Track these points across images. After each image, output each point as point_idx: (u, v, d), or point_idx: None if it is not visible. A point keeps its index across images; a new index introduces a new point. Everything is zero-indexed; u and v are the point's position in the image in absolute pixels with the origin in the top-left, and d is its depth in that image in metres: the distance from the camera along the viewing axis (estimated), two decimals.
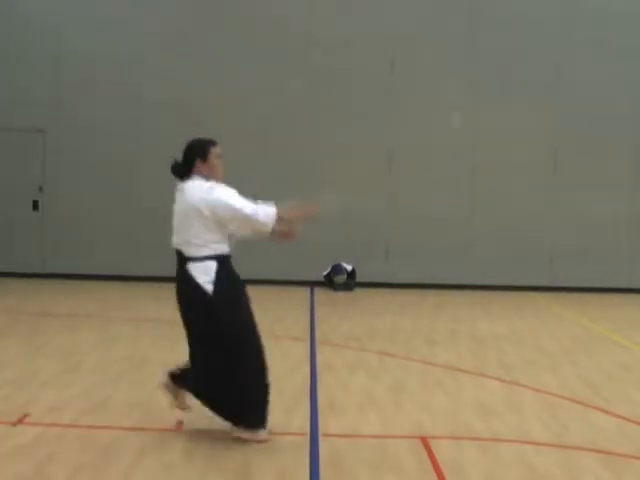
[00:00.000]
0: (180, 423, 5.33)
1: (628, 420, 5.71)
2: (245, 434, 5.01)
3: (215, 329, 4.93)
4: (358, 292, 12.86)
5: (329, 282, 13.13)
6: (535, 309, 11.49)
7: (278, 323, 9.62)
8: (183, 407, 5.29)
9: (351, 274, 13.13)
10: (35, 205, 13.54)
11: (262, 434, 5.03)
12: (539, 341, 8.95)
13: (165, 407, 5.70)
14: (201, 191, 4.93)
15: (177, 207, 5.06)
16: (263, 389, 5.06)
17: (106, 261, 13.32)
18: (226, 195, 4.93)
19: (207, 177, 5.04)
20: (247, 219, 4.88)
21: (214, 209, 4.87)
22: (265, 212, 4.92)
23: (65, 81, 13.40)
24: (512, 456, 4.86)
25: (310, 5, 13.45)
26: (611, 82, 13.37)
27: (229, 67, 13.34)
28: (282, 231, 5.04)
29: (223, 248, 4.99)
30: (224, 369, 4.93)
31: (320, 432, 5.22)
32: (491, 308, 11.40)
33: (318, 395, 6.16)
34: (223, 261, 4.97)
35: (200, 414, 5.52)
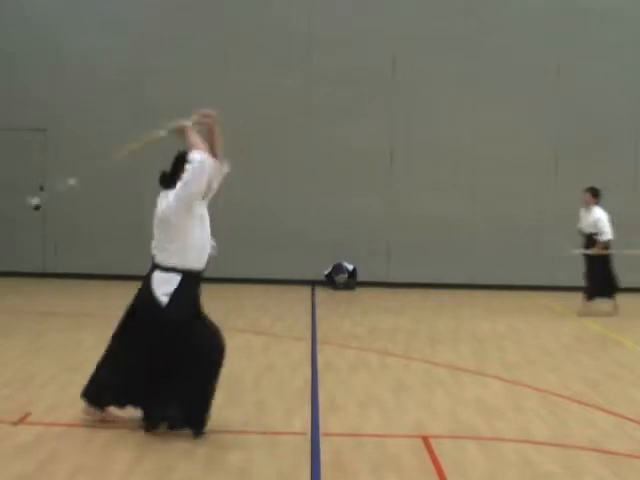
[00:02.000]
0: None
1: (628, 419, 5.71)
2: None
3: (157, 339, 4.97)
4: (359, 291, 12.86)
5: (330, 281, 13.14)
6: (536, 308, 11.49)
7: (279, 322, 9.62)
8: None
9: (352, 273, 13.13)
10: (36, 205, 13.52)
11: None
12: (540, 340, 8.95)
13: None
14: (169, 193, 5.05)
15: (155, 214, 5.16)
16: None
17: (107, 261, 13.33)
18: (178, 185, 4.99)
19: None
20: (193, 175, 4.92)
21: (173, 194, 4.95)
22: (191, 163, 4.95)
23: (65, 80, 13.41)
24: (513, 455, 4.86)
25: (311, 5, 13.45)
26: (612, 82, 13.37)
27: (229, 67, 13.34)
28: (210, 138, 5.19)
29: (192, 262, 5.03)
30: (165, 375, 4.98)
31: (321, 431, 5.22)
32: (492, 307, 11.40)
33: (319, 394, 6.16)
34: (188, 277, 5.01)
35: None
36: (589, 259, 10.85)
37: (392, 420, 5.59)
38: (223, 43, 13.35)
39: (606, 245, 10.77)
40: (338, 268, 13.08)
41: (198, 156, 4.97)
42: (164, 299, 4.96)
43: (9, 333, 8.49)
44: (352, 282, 13.07)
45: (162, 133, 5.27)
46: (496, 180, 13.40)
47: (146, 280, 5.10)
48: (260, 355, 7.69)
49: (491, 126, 13.36)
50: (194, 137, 5.17)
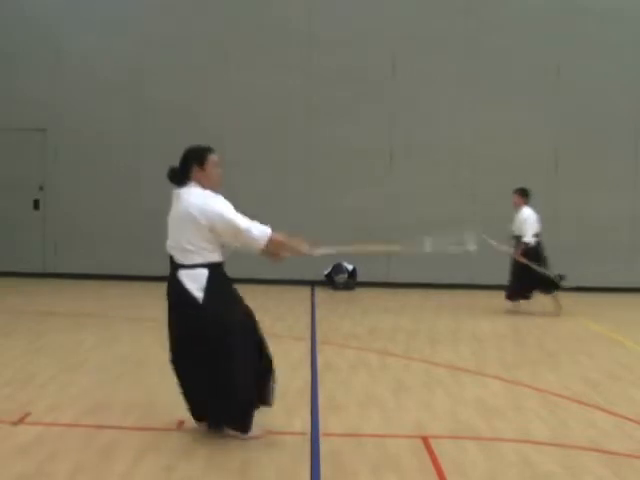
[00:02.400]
0: (181, 423, 5.32)
1: (628, 419, 5.71)
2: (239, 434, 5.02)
3: (204, 335, 4.90)
4: (359, 292, 12.86)
5: (330, 282, 13.14)
6: (536, 308, 11.48)
7: (279, 322, 9.62)
8: None
9: (352, 273, 13.14)
10: (36, 204, 13.55)
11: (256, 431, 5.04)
12: (540, 340, 8.95)
13: (165, 407, 5.71)
14: (197, 199, 4.94)
15: (173, 213, 5.09)
16: (249, 389, 5.00)
17: (106, 260, 13.33)
18: (223, 207, 4.96)
19: (204, 184, 5.06)
20: (241, 233, 4.96)
21: (210, 219, 4.89)
22: (259, 230, 5.03)
23: (65, 80, 13.42)
24: (513, 455, 4.86)
25: (311, 5, 13.46)
26: (612, 82, 13.37)
27: (229, 67, 13.35)
28: (271, 252, 5.15)
29: (215, 256, 5.04)
30: (213, 373, 4.91)
31: (321, 431, 5.22)
32: (492, 307, 11.39)
33: (319, 394, 6.16)
34: (214, 269, 5.00)
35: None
36: (513, 259, 10.80)
37: (392, 420, 5.59)
38: (223, 43, 13.36)
39: (526, 247, 10.63)
40: (338, 268, 13.08)
41: (263, 234, 5.07)
42: (199, 294, 4.91)
43: (9, 333, 8.49)
44: (352, 282, 13.08)
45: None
46: (496, 180, 13.38)
47: (173, 280, 5.01)
48: None
49: (491, 126, 13.36)
50: (286, 244, 5.27)
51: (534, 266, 10.50)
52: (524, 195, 10.90)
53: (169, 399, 5.91)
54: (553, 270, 10.75)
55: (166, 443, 4.92)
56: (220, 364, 4.90)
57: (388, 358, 7.70)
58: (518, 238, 10.79)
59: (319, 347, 8.07)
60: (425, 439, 5.12)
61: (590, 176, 13.42)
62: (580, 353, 8.24)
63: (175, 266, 5.02)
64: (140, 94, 13.28)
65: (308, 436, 5.13)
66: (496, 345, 8.57)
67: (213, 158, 5.14)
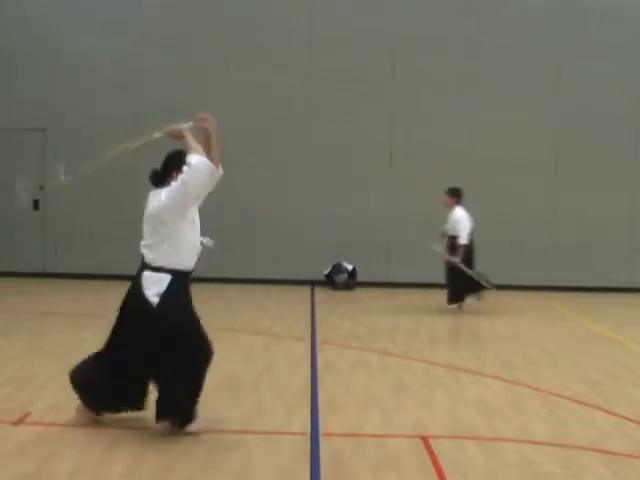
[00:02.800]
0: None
1: (628, 419, 5.71)
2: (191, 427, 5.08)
3: (153, 341, 4.95)
4: (359, 291, 12.86)
5: (330, 282, 13.14)
6: (535, 308, 11.50)
7: (279, 322, 9.62)
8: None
9: (352, 274, 13.14)
10: (36, 204, 13.55)
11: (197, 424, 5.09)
12: (540, 340, 8.95)
13: None
14: (160, 192, 5.03)
15: (145, 212, 5.15)
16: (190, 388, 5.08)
17: (106, 261, 13.32)
18: (173, 185, 4.98)
19: None
20: (191, 178, 4.89)
21: (167, 194, 4.93)
22: (189, 167, 4.93)
23: (65, 80, 13.42)
24: (513, 455, 4.86)
25: (311, 5, 13.45)
26: (611, 82, 13.37)
27: (229, 67, 13.35)
28: (206, 142, 5.04)
29: (182, 263, 5.04)
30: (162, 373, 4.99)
31: (321, 431, 5.22)
32: (491, 307, 11.39)
33: (319, 394, 6.16)
34: (178, 277, 5.01)
35: (200, 413, 5.52)
36: (447, 261, 10.71)
37: (392, 420, 5.59)
38: (223, 43, 13.36)
39: (463, 248, 10.54)
40: (338, 268, 13.08)
41: (197, 159, 4.95)
42: (154, 299, 4.95)
43: (9, 333, 8.49)
44: (352, 282, 13.07)
45: (157, 135, 5.25)
46: (496, 180, 13.39)
47: (135, 280, 5.10)
48: (260, 355, 7.69)
49: (491, 126, 13.35)
50: (191, 140, 5.17)
51: (463, 267, 10.38)
52: (455, 195, 10.73)
53: None
54: (477, 270, 10.69)
55: (166, 443, 4.92)
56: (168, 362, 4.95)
57: (388, 358, 7.70)
58: (452, 238, 10.67)
59: (319, 347, 8.07)
60: (425, 439, 5.12)
61: (590, 176, 13.42)
62: (580, 353, 8.24)
63: (142, 265, 5.09)
64: (140, 94, 13.28)
65: (308, 436, 5.12)
66: (496, 345, 8.57)
67: None
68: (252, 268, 12.98)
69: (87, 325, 9.06)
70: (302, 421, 5.45)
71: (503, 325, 9.89)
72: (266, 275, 12.95)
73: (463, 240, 10.49)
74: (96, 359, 5.25)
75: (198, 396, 5.11)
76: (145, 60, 13.34)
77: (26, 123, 13.44)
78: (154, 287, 4.97)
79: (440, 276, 13.34)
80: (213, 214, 13.92)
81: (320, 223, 13.31)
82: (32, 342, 7.99)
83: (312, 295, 12.27)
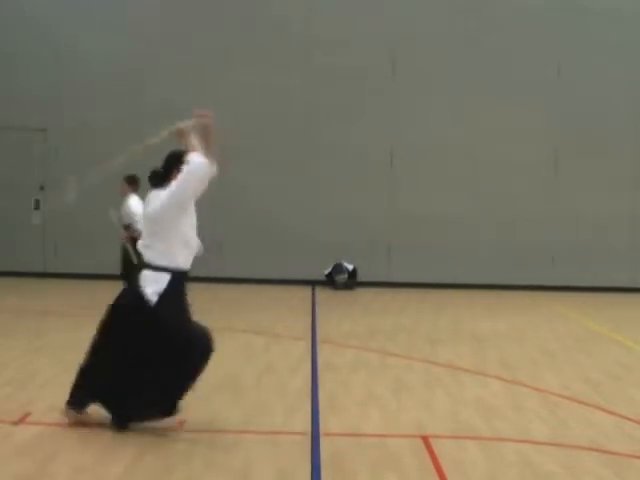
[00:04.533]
0: (181, 423, 5.32)
1: (628, 419, 5.71)
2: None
3: (151, 339, 4.96)
4: (359, 291, 12.87)
5: (330, 281, 13.14)
6: (536, 308, 11.50)
7: (279, 322, 9.62)
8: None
9: (352, 273, 13.14)
10: (36, 204, 13.55)
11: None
12: (540, 340, 8.95)
13: None
14: (159, 194, 5.06)
15: (145, 212, 5.20)
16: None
17: (106, 261, 13.28)
18: (168, 188, 5.01)
19: None
20: (191, 176, 4.93)
21: (166, 195, 4.96)
22: (188, 164, 4.96)
23: (66, 80, 13.43)
24: (513, 455, 4.86)
25: (310, 5, 13.46)
26: (611, 82, 13.38)
27: (229, 67, 13.36)
28: (205, 140, 5.12)
29: (181, 262, 5.06)
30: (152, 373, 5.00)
31: (321, 431, 5.21)
32: (492, 307, 11.40)
33: (319, 394, 6.16)
34: (177, 276, 5.02)
35: (200, 413, 5.53)
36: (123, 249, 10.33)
37: (392, 420, 5.58)
38: (223, 43, 13.36)
39: (133, 235, 10.19)
40: (338, 268, 13.09)
41: (197, 158, 4.98)
42: (153, 298, 4.96)
43: (9, 333, 8.49)
44: (352, 282, 13.08)
45: (162, 135, 5.26)
46: (496, 180, 13.40)
47: (133, 279, 5.10)
48: (260, 355, 7.69)
49: (491, 126, 13.36)
50: (193, 139, 5.18)
51: (130, 248, 9.97)
52: (131, 183, 10.44)
53: None
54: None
55: (166, 443, 4.92)
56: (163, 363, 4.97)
57: (388, 358, 7.70)
58: (127, 227, 10.33)
59: (319, 347, 8.07)
60: (425, 439, 5.12)
61: (590, 176, 13.42)
62: (580, 353, 8.25)
63: (141, 264, 5.09)
64: (140, 94, 13.28)
65: (308, 436, 5.12)
66: (496, 345, 8.57)
67: None
68: (252, 268, 12.98)
69: (87, 325, 9.01)
70: (302, 421, 5.44)
71: (503, 325, 9.89)
72: (266, 275, 12.95)
73: (137, 225, 10.04)
74: (88, 359, 5.26)
75: (187, 392, 5.12)
76: (145, 60, 13.34)
77: (26, 123, 13.45)
78: (153, 286, 4.97)
79: (440, 276, 13.39)
80: (213, 214, 13.94)
81: (320, 223, 13.31)
82: (32, 342, 7.98)
83: (313, 295, 12.27)
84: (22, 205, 13.56)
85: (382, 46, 13.39)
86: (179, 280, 5.06)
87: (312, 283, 13.15)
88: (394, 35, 13.38)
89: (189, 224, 5.13)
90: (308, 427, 5.30)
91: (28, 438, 4.92)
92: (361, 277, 13.20)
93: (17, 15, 13.55)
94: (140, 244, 5.17)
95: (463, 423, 5.52)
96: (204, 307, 10.80)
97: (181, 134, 5.25)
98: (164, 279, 4.98)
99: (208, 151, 5.03)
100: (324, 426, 5.33)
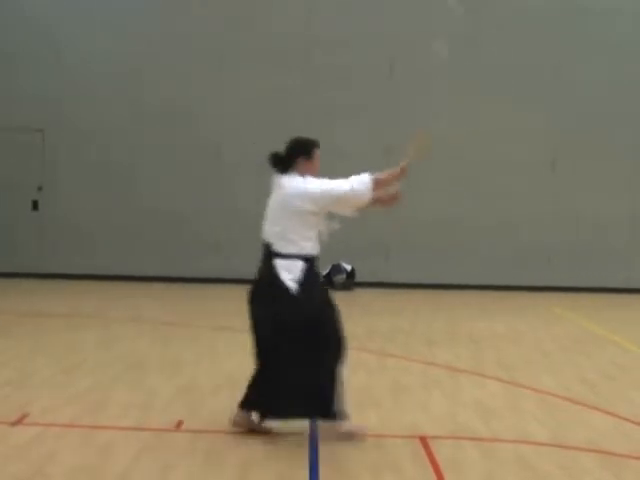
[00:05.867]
0: (180, 423, 5.33)
1: (627, 420, 5.72)
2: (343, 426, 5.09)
3: (298, 327, 4.90)
4: (357, 292, 12.87)
5: (328, 282, 13.13)
6: (534, 309, 11.50)
7: None
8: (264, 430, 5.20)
9: (350, 274, 13.14)
10: (35, 205, 13.55)
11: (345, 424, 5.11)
12: (538, 341, 8.95)
13: (164, 407, 5.72)
14: (299, 185, 5.10)
15: (273, 200, 5.25)
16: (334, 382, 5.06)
17: (106, 261, 13.33)
18: (321, 183, 5.08)
19: (304, 174, 5.19)
20: (345, 196, 5.03)
21: (313, 199, 4.99)
22: (360, 182, 5.07)
23: (64, 81, 13.42)
24: (511, 456, 4.86)
25: (310, 5, 13.45)
26: (611, 82, 13.38)
27: (229, 67, 13.35)
28: (381, 197, 5.30)
29: (312, 248, 5.07)
30: (311, 364, 4.93)
31: (319, 432, 5.21)
32: (490, 308, 11.40)
33: None
34: (310, 262, 5.04)
35: (200, 413, 5.54)
36: None
37: (390, 421, 5.59)
38: (222, 43, 13.36)
39: None
40: (336, 268, 13.08)
41: (366, 185, 5.09)
42: (292, 285, 4.94)
43: (7, 333, 8.49)
44: (350, 283, 13.08)
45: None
46: (495, 180, 13.40)
47: (266, 270, 5.05)
48: None
49: (490, 126, 13.35)
50: (392, 181, 5.47)
51: None
52: None
53: (167, 399, 5.93)
54: None
55: (165, 443, 4.92)
56: (315, 356, 4.92)
57: (386, 359, 7.70)
58: None
59: None
60: (423, 439, 5.12)
61: (590, 176, 13.43)
62: (578, 354, 8.25)
63: (271, 254, 5.05)
64: (140, 94, 13.28)
65: (307, 436, 5.13)
66: (494, 346, 8.57)
67: (318, 152, 5.34)
68: (251, 268, 12.96)
69: (86, 326, 9.06)
70: (301, 421, 5.44)
71: (502, 326, 9.89)
72: None
73: None
74: (261, 366, 5.10)
75: (331, 388, 5.01)
76: (145, 60, 13.33)
77: (25, 123, 13.44)
78: (290, 274, 4.94)
79: (438, 276, 13.39)
80: (213, 214, 13.93)
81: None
82: (30, 343, 7.98)
83: None
84: (21, 205, 13.55)
85: (382, 46, 13.38)
86: (313, 265, 5.06)
87: None
88: (394, 35, 13.37)
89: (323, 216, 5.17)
90: (306, 427, 5.31)
91: (26, 439, 4.92)
92: (359, 277, 13.20)
93: (17, 15, 13.55)
94: (267, 232, 5.13)
95: (461, 424, 5.53)
96: (204, 307, 10.78)
97: (402, 174, 5.46)
98: (298, 266, 4.97)
99: (381, 184, 5.22)
100: (323, 426, 5.33)
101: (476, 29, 13.38)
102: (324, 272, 13.14)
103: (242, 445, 4.93)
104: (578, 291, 13.12)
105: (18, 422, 5.25)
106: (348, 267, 13.15)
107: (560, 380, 6.95)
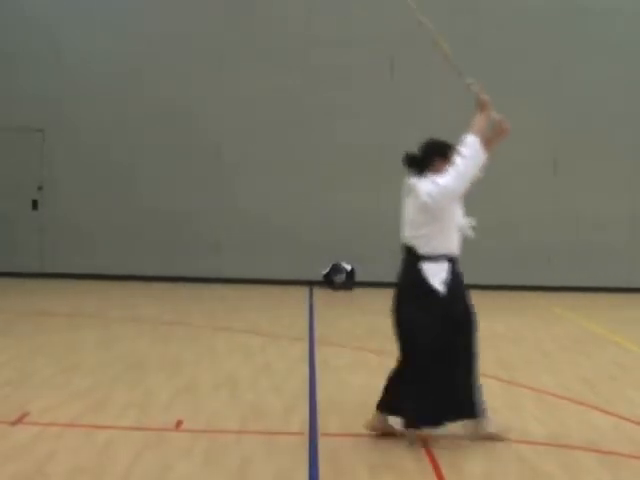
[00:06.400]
0: (179, 423, 5.33)
1: (626, 420, 5.71)
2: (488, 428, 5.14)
3: (449, 328, 4.97)
4: (357, 292, 12.86)
5: (328, 282, 13.13)
6: (534, 309, 11.50)
7: (277, 322, 9.62)
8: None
9: (350, 274, 13.13)
10: (34, 204, 13.55)
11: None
12: (538, 341, 8.95)
13: (164, 406, 5.72)
14: (432, 184, 5.03)
15: (410, 202, 5.16)
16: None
17: (106, 261, 13.33)
18: (446, 173, 5.03)
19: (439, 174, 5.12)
20: (466, 168, 5.02)
21: (446, 191, 5.00)
22: (468, 147, 5.03)
23: (64, 80, 13.42)
24: (511, 455, 4.86)
25: (310, 5, 13.45)
26: (612, 82, 13.37)
27: (228, 67, 13.35)
28: (491, 138, 5.33)
29: (454, 248, 5.14)
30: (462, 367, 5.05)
31: (319, 431, 5.22)
32: (490, 307, 11.37)
33: (317, 394, 6.16)
34: (453, 262, 5.09)
35: (200, 413, 5.54)
36: None
37: (390, 420, 5.58)
38: (222, 43, 13.35)
39: None
40: (336, 268, 13.08)
41: (475, 144, 5.00)
42: (441, 287, 4.96)
43: (8, 333, 8.50)
44: (350, 282, 13.07)
45: (469, 81, 5.45)
46: (496, 180, 13.34)
47: (412, 274, 5.05)
48: (258, 355, 7.69)
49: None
50: (484, 121, 5.26)
51: None
52: None
53: (167, 399, 5.93)
54: None
55: (164, 443, 4.92)
56: (464, 356, 5.06)
57: (387, 358, 7.68)
58: None
59: (317, 347, 8.07)
60: (423, 439, 5.11)
61: (590, 176, 13.42)
62: (578, 353, 8.24)
63: (415, 257, 5.05)
64: (140, 94, 13.28)
65: (306, 436, 5.13)
66: (494, 345, 8.55)
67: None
68: (251, 268, 12.97)
69: (86, 325, 9.07)
70: (300, 421, 5.45)
71: (501, 325, 9.89)
72: (265, 275, 12.94)
73: None
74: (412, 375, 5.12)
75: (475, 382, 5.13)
76: (145, 60, 13.33)
77: (25, 123, 13.44)
78: (437, 276, 4.96)
79: None
80: (213, 214, 13.92)
81: (319, 223, 13.30)
82: (30, 342, 7.99)
83: (311, 295, 12.26)
84: (21, 205, 13.55)
85: (381, 46, 13.37)
86: (456, 265, 5.11)
87: (310, 283, 13.15)
88: (394, 35, 13.36)
89: (459, 208, 5.26)
90: (306, 427, 5.31)
91: (26, 438, 4.93)
92: (359, 277, 13.19)
93: (17, 15, 13.54)
94: (407, 236, 5.14)
95: (461, 423, 5.51)
96: (204, 307, 10.78)
97: (484, 106, 5.32)
98: (444, 267, 5.02)
99: (488, 145, 5.12)
100: (322, 426, 5.33)
101: (476, 29, 13.38)
102: (324, 272, 13.15)
103: (242, 445, 4.93)
104: (578, 291, 13.11)
105: (18, 422, 5.25)
106: (348, 267, 13.15)
107: (560, 380, 6.95)
